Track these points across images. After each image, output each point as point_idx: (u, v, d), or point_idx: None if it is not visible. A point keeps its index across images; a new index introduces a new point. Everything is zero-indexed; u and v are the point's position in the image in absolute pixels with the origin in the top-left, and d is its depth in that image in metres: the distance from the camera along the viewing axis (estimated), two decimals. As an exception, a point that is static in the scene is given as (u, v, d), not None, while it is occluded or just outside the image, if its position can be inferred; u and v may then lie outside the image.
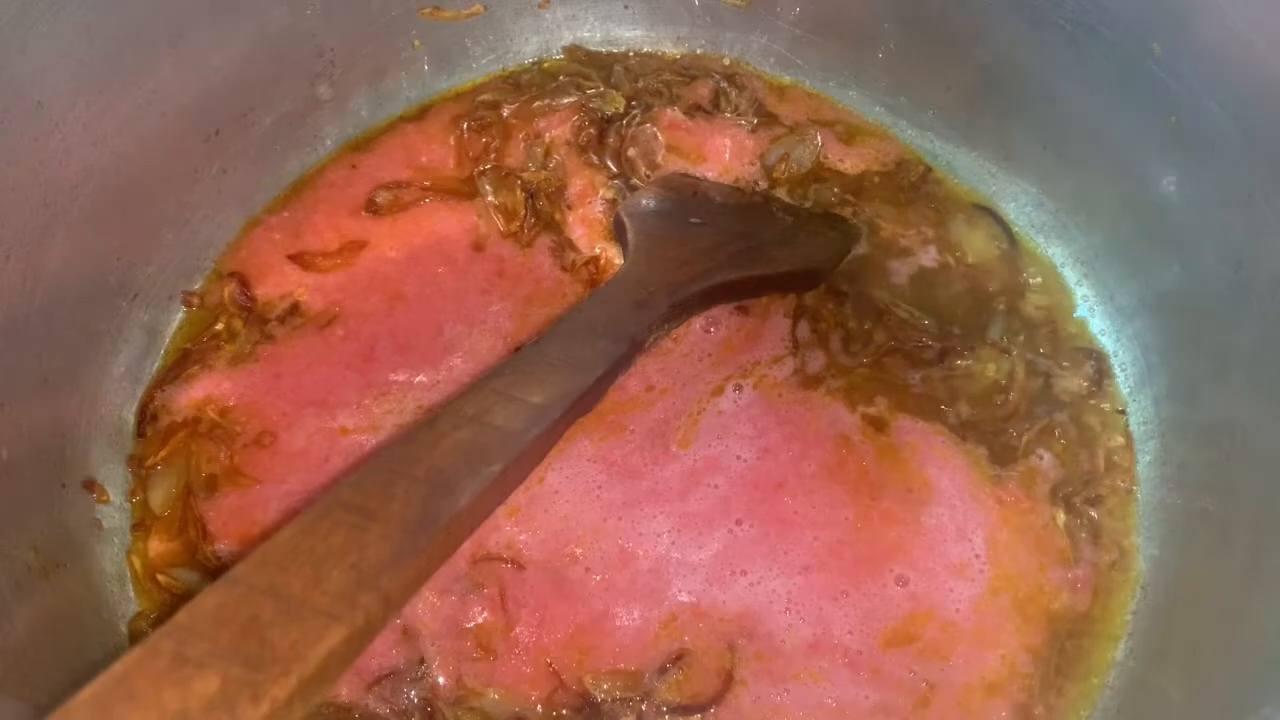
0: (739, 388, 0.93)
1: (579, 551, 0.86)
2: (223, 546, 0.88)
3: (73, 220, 0.84)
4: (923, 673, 0.83)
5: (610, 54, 1.13)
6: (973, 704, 0.82)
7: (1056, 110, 0.96)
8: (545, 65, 1.12)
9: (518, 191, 1.01)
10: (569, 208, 1.02)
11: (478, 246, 1.00)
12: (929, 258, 1.00)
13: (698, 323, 0.96)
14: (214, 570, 0.87)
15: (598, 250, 1.00)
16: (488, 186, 1.02)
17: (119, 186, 0.88)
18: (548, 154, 1.04)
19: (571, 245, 1.01)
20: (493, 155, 1.04)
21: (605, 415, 0.91)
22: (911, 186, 1.05)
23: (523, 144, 1.04)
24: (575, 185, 1.03)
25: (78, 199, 0.84)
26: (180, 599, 0.86)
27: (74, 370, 0.88)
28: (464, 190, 1.03)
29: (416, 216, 1.01)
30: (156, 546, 0.89)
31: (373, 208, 1.02)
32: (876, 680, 0.82)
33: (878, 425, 0.91)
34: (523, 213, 1.01)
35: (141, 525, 0.90)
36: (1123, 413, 0.94)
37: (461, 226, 1.01)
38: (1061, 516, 0.89)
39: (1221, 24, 0.77)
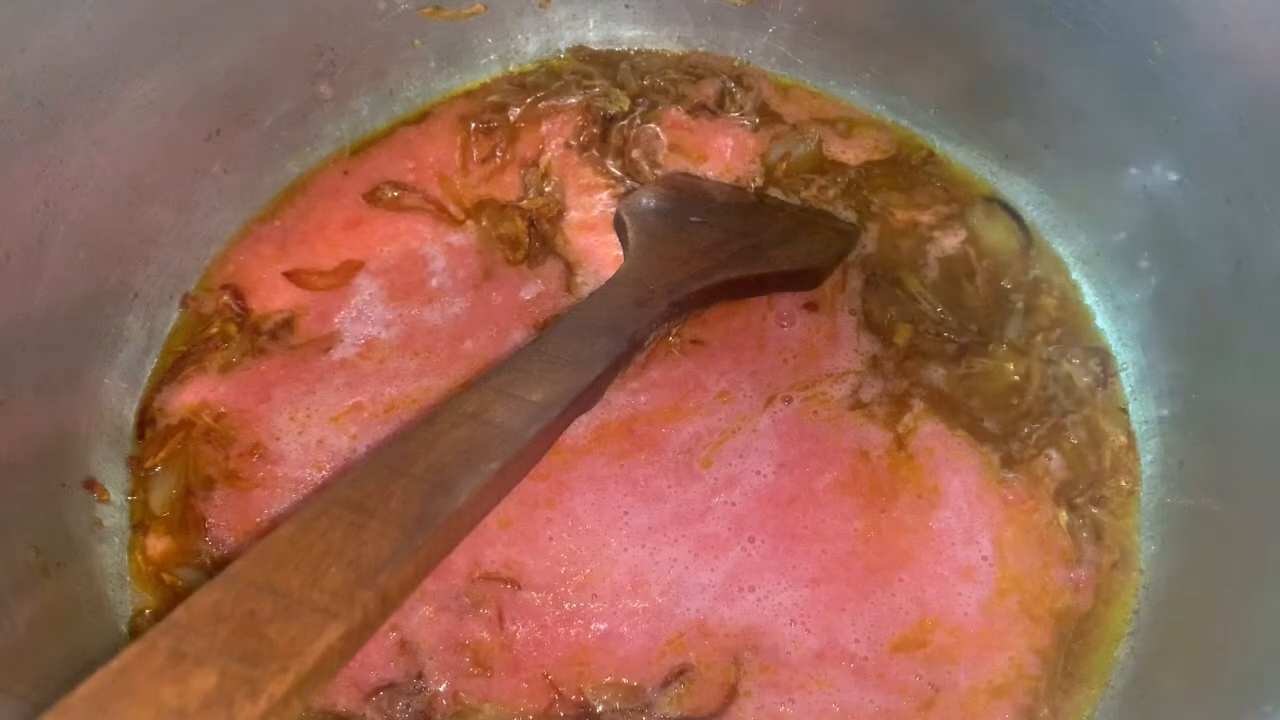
0: (788, 400, 0.92)
1: (588, 571, 0.85)
2: (223, 546, 0.88)
3: (73, 220, 0.84)
4: (929, 677, 0.83)
5: (615, 53, 1.13)
6: (977, 707, 0.82)
7: (1058, 109, 0.96)
8: (550, 64, 1.12)
9: (518, 220, 1.02)
10: (571, 227, 1.02)
11: (485, 273, 1.00)
12: (950, 241, 1.00)
13: (771, 318, 0.96)
14: (214, 569, 0.87)
15: (607, 273, 1.00)
16: (486, 222, 1.02)
17: (119, 186, 0.88)
18: (544, 177, 1.03)
19: (579, 266, 1.00)
20: (499, 157, 1.04)
21: (636, 428, 0.91)
22: (913, 169, 1.05)
23: (520, 174, 1.04)
24: (577, 197, 1.03)
25: (78, 199, 0.84)
26: (181, 598, 0.85)
27: (74, 370, 0.88)
28: (465, 218, 1.03)
29: (418, 237, 1.01)
30: (157, 546, 0.89)
31: (374, 199, 1.02)
32: (882, 685, 0.82)
33: (901, 439, 0.91)
34: (526, 241, 1.01)
35: (142, 525, 0.90)
36: (1124, 411, 0.94)
37: (465, 253, 1.01)
38: (1064, 516, 0.88)
39: (1222, 23, 0.77)
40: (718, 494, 0.88)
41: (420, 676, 0.83)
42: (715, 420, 0.91)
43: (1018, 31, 0.94)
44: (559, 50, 1.12)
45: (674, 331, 0.94)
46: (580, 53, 1.12)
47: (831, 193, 1.03)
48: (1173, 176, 0.88)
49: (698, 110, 1.06)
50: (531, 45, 1.12)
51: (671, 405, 0.92)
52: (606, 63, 1.12)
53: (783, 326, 0.96)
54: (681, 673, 0.82)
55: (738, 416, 0.91)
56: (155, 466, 0.91)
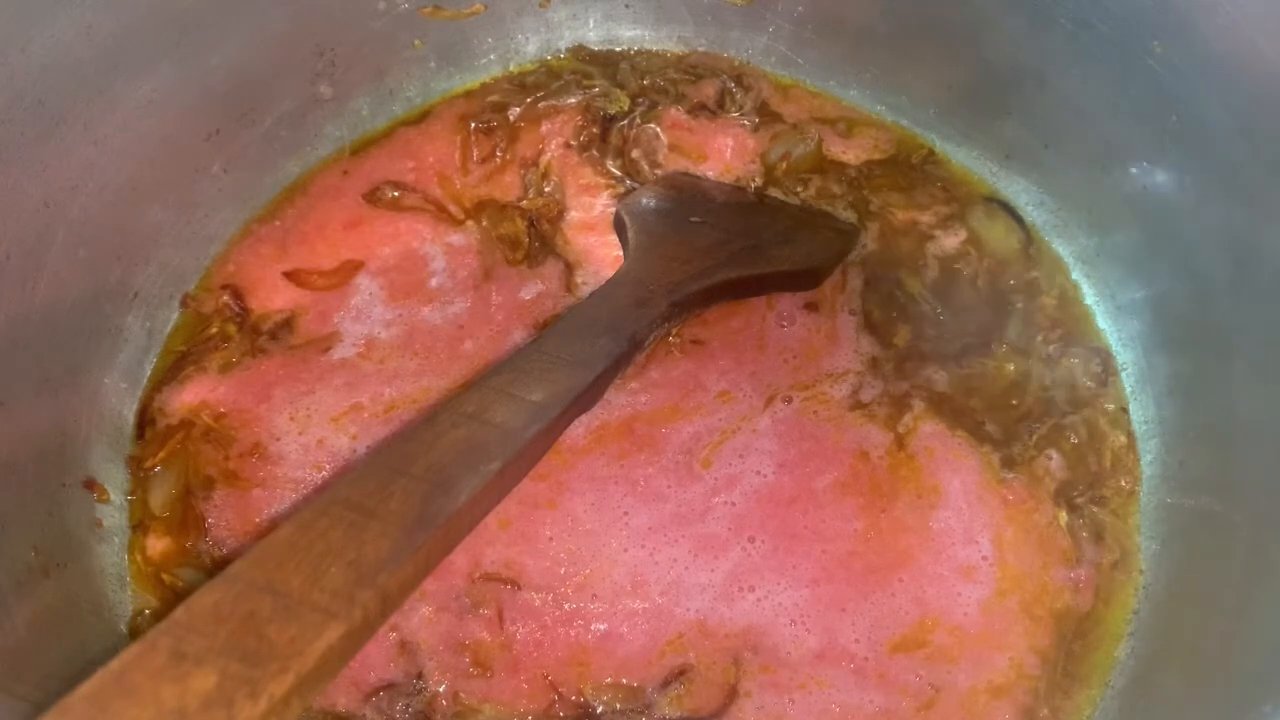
0: (788, 400, 0.92)
1: (587, 573, 0.85)
2: (223, 546, 0.88)
3: (73, 220, 0.84)
4: (929, 677, 0.83)
5: (615, 52, 1.13)
6: (977, 707, 0.82)
7: (1057, 109, 0.96)
8: (550, 64, 1.12)
9: (518, 220, 1.01)
10: (571, 227, 1.02)
11: (485, 273, 0.99)
12: (950, 241, 1.00)
13: (771, 318, 0.96)
14: (214, 569, 0.87)
15: (607, 273, 1.00)
16: (486, 222, 1.02)
17: (119, 186, 0.88)
18: (544, 177, 1.03)
19: (579, 266, 1.00)
20: (499, 157, 1.04)
21: (636, 428, 0.91)
22: (913, 168, 1.05)
23: (520, 174, 1.04)
24: (577, 197, 1.03)
25: (78, 199, 0.84)
26: (181, 598, 0.85)
27: (74, 370, 0.88)
28: (465, 218, 1.03)
29: (418, 237, 1.01)
30: (157, 546, 0.89)
31: (374, 199, 1.02)
32: (882, 685, 0.82)
33: (901, 438, 0.91)
34: (526, 241, 1.01)
35: (142, 525, 0.90)
36: (1124, 411, 0.94)
37: (465, 252, 1.00)
38: (1064, 516, 0.88)
39: (1222, 22, 0.77)
40: (718, 494, 0.88)
41: (420, 677, 0.83)
42: (715, 420, 0.91)
43: (1018, 32, 0.94)
44: (559, 50, 1.12)
45: (674, 331, 0.94)
46: (580, 53, 1.12)
47: (832, 192, 1.03)
48: (1173, 176, 0.88)
49: (698, 110, 1.06)
50: (531, 45, 1.12)
51: (671, 405, 0.92)
52: (606, 63, 1.12)
53: (783, 326, 0.96)
54: (681, 673, 0.82)
55: (738, 416, 0.91)
56: (155, 466, 0.91)
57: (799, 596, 0.84)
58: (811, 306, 0.97)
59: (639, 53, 1.13)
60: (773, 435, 0.91)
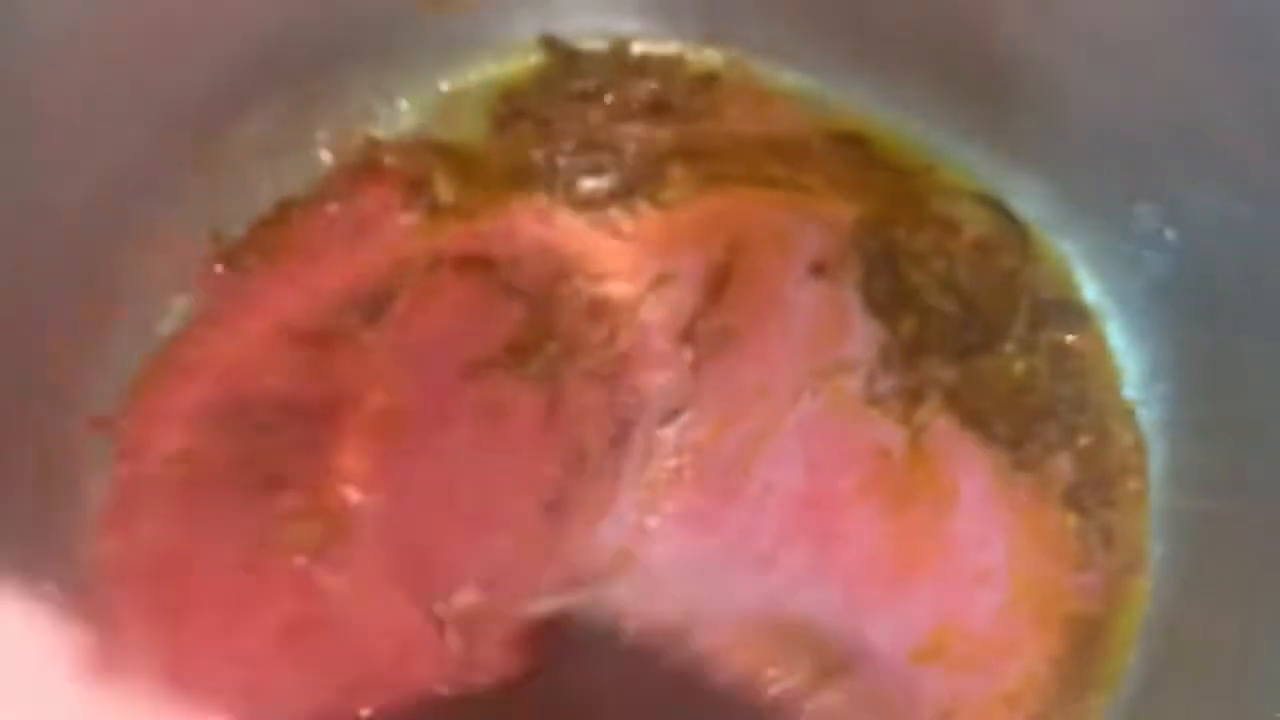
0: (815, 393, 0.91)
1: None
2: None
3: (67, 221, 0.84)
4: (948, 685, 0.82)
5: (612, 49, 1.12)
6: (993, 715, 0.82)
7: (1064, 104, 0.94)
8: (547, 62, 1.10)
9: None
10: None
11: None
12: (953, 239, 1.00)
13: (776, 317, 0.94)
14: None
15: None
16: None
17: (113, 186, 0.87)
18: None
19: None
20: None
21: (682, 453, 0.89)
22: (915, 165, 1.03)
23: None
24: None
25: (72, 199, 0.83)
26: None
27: (67, 373, 0.87)
28: None
29: None
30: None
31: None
32: (903, 694, 0.82)
33: (918, 436, 0.90)
34: None
35: (131, 531, 0.88)
36: (1132, 412, 0.93)
37: None
38: (1074, 519, 0.88)
39: (1231, 15, 0.76)
40: (757, 501, 0.87)
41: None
42: (752, 423, 0.90)
43: (1023, 28, 0.92)
44: (556, 47, 1.11)
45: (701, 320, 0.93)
46: (576, 50, 1.11)
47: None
48: (1180, 172, 0.87)
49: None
50: (529, 41, 1.09)
51: (718, 417, 0.90)
52: (602, 60, 1.10)
53: (797, 291, 0.95)
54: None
55: (771, 415, 0.90)
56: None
57: (825, 601, 0.84)
58: (817, 268, 0.96)
59: (635, 48, 1.12)
60: (801, 434, 0.89)
